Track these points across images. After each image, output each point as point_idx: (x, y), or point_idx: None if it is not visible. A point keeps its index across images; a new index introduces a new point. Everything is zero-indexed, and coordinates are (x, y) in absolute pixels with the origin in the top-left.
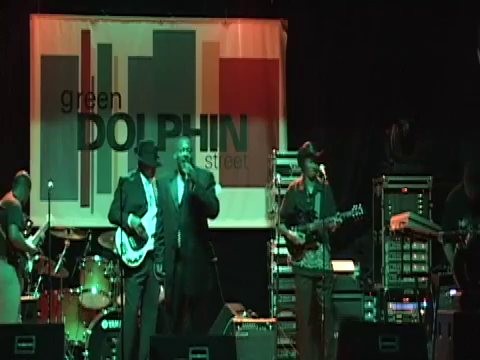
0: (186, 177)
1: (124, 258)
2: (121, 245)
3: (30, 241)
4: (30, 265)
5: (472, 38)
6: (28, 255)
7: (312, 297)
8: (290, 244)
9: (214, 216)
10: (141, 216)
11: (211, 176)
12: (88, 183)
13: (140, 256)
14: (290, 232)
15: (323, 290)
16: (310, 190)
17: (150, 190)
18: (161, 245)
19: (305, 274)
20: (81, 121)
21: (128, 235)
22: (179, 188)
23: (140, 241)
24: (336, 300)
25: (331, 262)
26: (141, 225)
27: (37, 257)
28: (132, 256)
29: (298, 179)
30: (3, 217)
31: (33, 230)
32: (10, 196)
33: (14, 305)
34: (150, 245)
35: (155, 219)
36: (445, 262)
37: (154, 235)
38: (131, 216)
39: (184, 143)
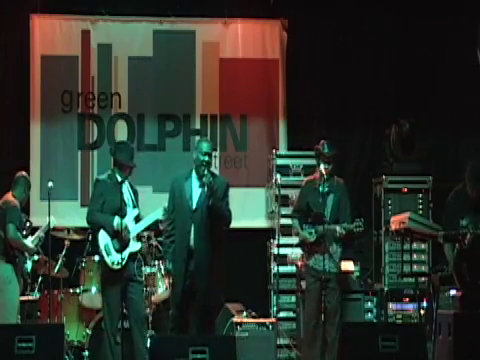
0: (205, 187)
1: (108, 260)
2: (106, 248)
3: (29, 241)
4: (29, 265)
5: (472, 38)
6: (27, 255)
7: (319, 298)
8: (302, 242)
9: (227, 226)
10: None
11: (227, 185)
12: (88, 183)
13: (122, 259)
14: (301, 231)
15: (331, 291)
16: (324, 189)
17: (126, 192)
18: (171, 243)
19: (313, 274)
20: (81, 121)
21: (111, 237)
22: (194, 190)
23: (123, 243)
24: None
25: (340, 263)
26: (127, 227)
27: (37, 257)
28: (115, 258)
29: (315, 174)
30: (1, 217)
31: (32, 230)
32: (9, 196)
33: (14, 305)
34: (132, 247)
35: (133, 222)
36: (445, 262)
37: (165, 231)
38: (117, 218)
39: (205, 146)
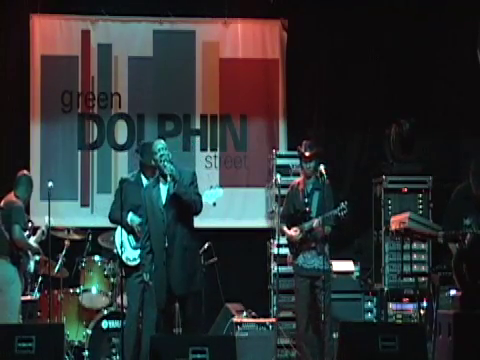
0: (168, 178)
1: (123, 257)
2: (121, 245)
3: (32, 240)
4: (32, 265)
5: (472, 38)
6: (30, 254)
7: (310, 297)
8: (289, 243)
9: (197, 213)
10: (141, 216)
11: (193, 174)
12: (88, 183)
13: (139, 255)
14: (287, 231)
15: (321, 290)
16: (308, 189)
17: None
18: (148, 254)
19: (302, 274)
20: (81, 121)
21: (128, 234)
22: (162, 191)
23: (137, 240)
24: (336, 300)
25: (329, 261)
26: (140, 224)
27: (37, 257)
28: (131, 255)
29: (299, 178)
30: (6, 217)
31: (34, 230)
32: (12, 196)
33: (16, 304)
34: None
35: None
36: (445, 262)
37: (143, 247)
38: (131, 214)
39: (158, 145)
